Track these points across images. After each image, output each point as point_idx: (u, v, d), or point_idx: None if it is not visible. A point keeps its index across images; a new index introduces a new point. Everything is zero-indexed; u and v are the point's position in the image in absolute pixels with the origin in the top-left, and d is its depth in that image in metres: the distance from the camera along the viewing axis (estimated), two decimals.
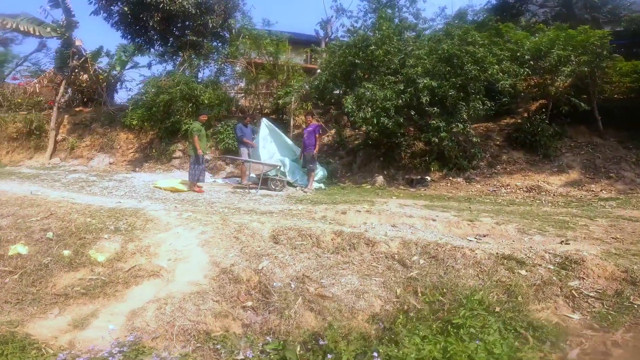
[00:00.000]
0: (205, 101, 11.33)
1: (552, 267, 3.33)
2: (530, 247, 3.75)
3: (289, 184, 8.51)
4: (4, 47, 17.31)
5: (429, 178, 8.64)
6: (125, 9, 10.25)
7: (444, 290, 3.13)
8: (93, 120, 13.48)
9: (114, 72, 14.65)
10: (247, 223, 4.47)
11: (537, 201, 7.00)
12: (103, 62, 14.59)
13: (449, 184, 8.49)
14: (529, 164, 8.68)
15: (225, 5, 11.79)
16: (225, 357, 2.60)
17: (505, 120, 10.17)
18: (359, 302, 3.15)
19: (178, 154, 11.61)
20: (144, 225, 4.47)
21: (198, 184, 7.54)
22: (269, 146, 9.14)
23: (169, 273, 3.58)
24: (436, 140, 8.06)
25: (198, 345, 2.75)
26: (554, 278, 3.20)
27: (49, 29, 12.12)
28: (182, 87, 10.26)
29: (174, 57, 12.70)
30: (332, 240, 4.05)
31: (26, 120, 12.73)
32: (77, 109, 14.51)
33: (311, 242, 4.02)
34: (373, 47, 8.87)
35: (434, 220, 4.87)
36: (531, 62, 8.45)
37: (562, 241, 3.95)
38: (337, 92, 10.37)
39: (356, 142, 10.72)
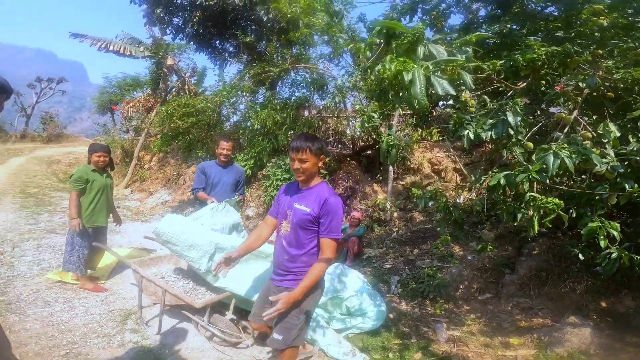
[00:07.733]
0: (256, 126, 8.09)
1: None
2: None
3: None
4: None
5: None
6: (159, 11, 7.86)
7: None
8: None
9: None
10: None
11: None
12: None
13: None
14: None
15: None
16: None
17: None
18: None
19: None
20: None
21: (88, 276, 4.03)
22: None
23: None
24: None
25: None
26: None
27: (142, 49, 11.27)
28: (202, 105, 7.18)
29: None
30: None
31: (118, 145, 12.50)
32: None
33: None
34: None
35: None
36: None
37: None
38: None
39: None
